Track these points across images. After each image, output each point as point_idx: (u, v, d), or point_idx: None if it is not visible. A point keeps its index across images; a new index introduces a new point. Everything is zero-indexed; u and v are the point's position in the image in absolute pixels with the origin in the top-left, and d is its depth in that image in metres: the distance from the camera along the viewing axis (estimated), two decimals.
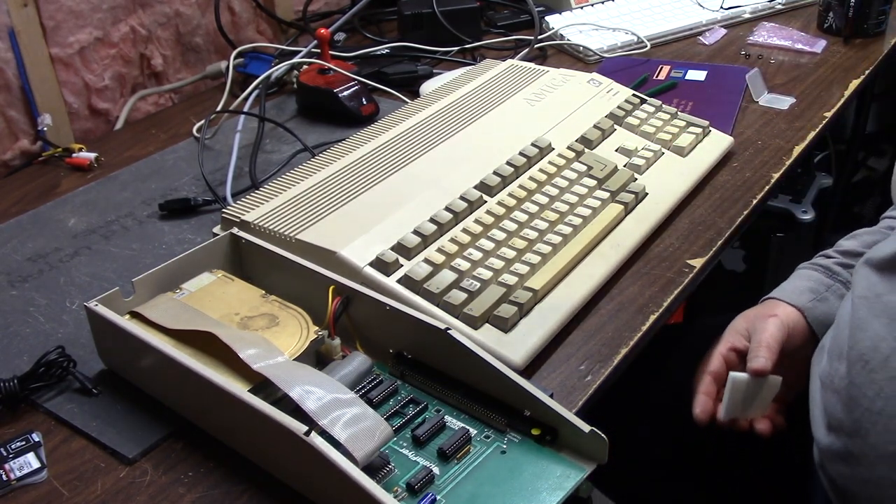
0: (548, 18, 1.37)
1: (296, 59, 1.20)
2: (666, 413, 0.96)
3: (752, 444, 0.86)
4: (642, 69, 1.22)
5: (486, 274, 0.75)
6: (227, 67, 1.22)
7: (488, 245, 0.79)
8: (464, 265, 0.76)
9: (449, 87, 1.06)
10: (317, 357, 0.70)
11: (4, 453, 0.65)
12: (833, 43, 1.30)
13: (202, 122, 1.13)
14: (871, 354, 0.71)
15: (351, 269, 0.74)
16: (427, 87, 1.18)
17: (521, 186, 0.86)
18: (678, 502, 1.00)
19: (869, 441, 0.70)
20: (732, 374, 0.79)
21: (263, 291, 0.74)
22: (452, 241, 0.78)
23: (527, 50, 1.29)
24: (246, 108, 1.13)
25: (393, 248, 0.76)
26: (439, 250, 0.77)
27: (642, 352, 0.76)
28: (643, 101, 1.04)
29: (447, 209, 0.81)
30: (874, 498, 0.71)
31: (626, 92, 1.05)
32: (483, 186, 0.85)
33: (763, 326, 0.82)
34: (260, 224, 0.80)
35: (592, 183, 0.89)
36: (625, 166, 0.93)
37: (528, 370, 0.71)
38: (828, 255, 0.90)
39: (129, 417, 0.68)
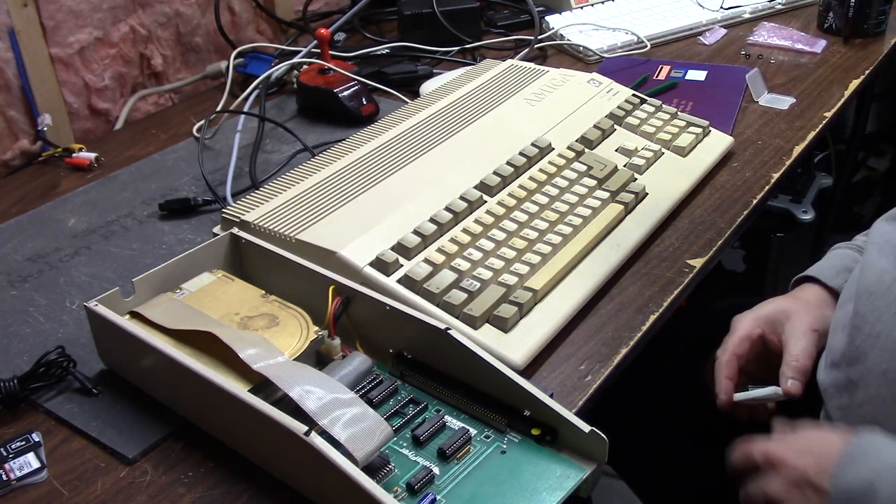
0: (548, 18, 1.37)
1: (296, 59, 1.20)
2: (666, 411, 0.96)
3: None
4: (642, 69, 1.22)
5: (486, 274, 0.75)
6: (227, 67, 1.22)
7: (488, 245, 0.79)
8: (464, 265, 0.76)
9: (449, 87, 1.06)
10: (317, 357, 0.70)
11: (4, 453, 0.65)
12: (833, 43, 1.30)
13: (202, 122, 1.13)
14: (875, 286, 0.74)
15: (351, 269, 0.74)
16: (427, 87, 1.18)
17: (521, 186, 0.86)
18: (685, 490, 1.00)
19: (867, 364, 0.72)
20: (778, 391, 0.78)
21: (263, 291, 0.74)
22: (452, 241, 0.78)
23: (527, 50, 1.29)
24: (246, 108, 1.13)
25: (393, 248, 0.76)
26: (439, 250, 0.77)
27: (643, 350, 0.76)
28: (643, 101, 1.04)
29: (447, 209, 0.81)
30: (869, 419, 0.72)
31: (626, 92, 1.05)
32: (483, 186, 0.85)
33: (798, 340, 0.80)
34: (260, 224, 0.80)
35: (592, 183, 0.89)
36: (625, 166, 0.93)
37: (528, 370, 0.71)
38: (855, 239, 0.90)
39: (129, 417, 0.68)
